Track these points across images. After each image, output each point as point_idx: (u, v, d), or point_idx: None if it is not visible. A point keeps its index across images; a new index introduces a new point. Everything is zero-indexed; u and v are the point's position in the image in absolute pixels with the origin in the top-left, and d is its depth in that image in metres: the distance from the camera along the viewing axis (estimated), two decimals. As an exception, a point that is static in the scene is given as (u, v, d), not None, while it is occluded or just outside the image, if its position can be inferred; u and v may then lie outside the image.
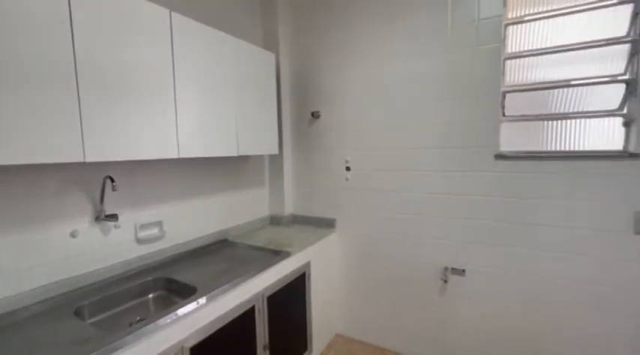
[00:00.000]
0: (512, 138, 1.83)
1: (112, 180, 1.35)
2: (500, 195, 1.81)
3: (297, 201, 2.50)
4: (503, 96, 1.81)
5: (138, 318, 1.33)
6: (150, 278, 1.53)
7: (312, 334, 2.06)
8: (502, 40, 1.77)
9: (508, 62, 1.82)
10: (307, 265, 1.98)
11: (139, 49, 1.28)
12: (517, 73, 1.85)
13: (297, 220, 2.49)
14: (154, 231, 1.68)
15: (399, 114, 2.05)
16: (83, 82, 1.11)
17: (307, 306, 2.01)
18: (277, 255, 1.79)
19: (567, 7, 1.68)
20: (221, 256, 1.82)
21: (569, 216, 1.66)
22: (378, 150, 2.13)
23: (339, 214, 2.32)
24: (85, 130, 1.12)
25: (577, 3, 1.66)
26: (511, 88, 1.82)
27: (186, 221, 1.85)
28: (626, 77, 1.57)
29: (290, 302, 1.86)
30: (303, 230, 2.31)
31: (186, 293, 1.36)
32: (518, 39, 1.82)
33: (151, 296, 1.51)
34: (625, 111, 1.57)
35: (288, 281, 1.81)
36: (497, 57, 1.77)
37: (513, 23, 1.79)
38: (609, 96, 1.62)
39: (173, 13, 1.41)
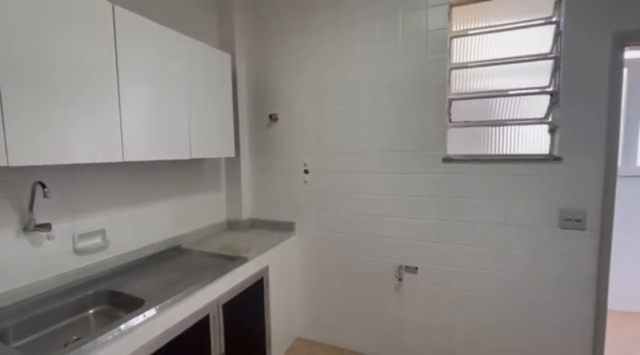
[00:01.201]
0: (458, 143, 1.97)
1: (44, 186, 1.23)
2: (447, 196, 1.93)
3: (256, 205, 2.46)
4: (450, 104, 1.94)
5: (75, 337, 1.22)
6: (90, 292, 1.40)
7: (272, 339, 2.03)
8: (447, 51, 1.90)
9: (453, 72, 1.96)
10: (265, 270, 1.95)
11: (76, 44, 1.18)
12: (462, 82, 2.00)
13: (255, 224, 2.44)
14: (96, 240, 1.55)
15: (354, 119, 2.11)
16: (2, 76, 0.99)
17: (266, 312, 1.98)
18: (233, 261, 1.74)
19: (503, 25, 1.86)
20: (173, 265, 1.73)
21: (505, 214, 1.82)
22: (335, 153, 2.17)
23: (299, 217, 2.32)
24: (8, 131, 1.00)
25: (511, 21, 1.84)
26: (456, 96, 1.96)
27: (134, 229, 1.73)
28: (550, 89, 1.76)
29: (248, 308, 1.82)
30: (262, 234, 2.27)
31: (133, 306, 1.27)
32: (462, 51, 1.97)
33: (91, 311, 1.39)
34: (550, 119, 1.77)
35: (246, 287, 1.77)
36: (444, 66, 1.90)
37: (457, 36, 1.93)
38: (540, 105, 1.81)
39: (117, 7, 1.32)
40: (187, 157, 1.72)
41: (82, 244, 1.48)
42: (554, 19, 1.74)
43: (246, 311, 1.82)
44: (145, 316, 1.19)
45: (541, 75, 1.81)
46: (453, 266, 1.95)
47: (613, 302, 2.46)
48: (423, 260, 2.01)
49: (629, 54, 2.84)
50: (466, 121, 1.96)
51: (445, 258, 1.96)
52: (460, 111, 1.97)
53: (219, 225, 2.35)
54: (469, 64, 1.94)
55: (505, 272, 1.84)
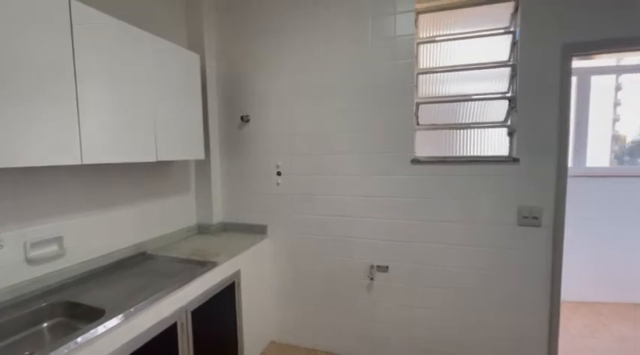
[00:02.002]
0: (428, 144, 2.05)
1: (-10, 191, 1.14)
2: (416, 196, 1.99)
3: (227, 208, 2.41)
4: (417, 107, 2.01)
5: (27, 353, 1.13)
6: (44, 303, 1.31)
7: (244, 344, 2.00)
8: (415, 57, 1.97)
9: (420, 76, 2.03)
10: (237, 274, 1.92)
11: (26, 40, 1.10)
12: (429, 86, 2.08)
13: (227, 228, 2.39)
14: (52, 248, 1.45)
15: (326, 121, 2.13)
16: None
17: (238, 316, 1.94)
18: (203, 265, 1.70)
19: (466, 33, 1.96)
20: (137, 272, 1.66)
21: (470, 213, 1.91)
22: (308, 155, 2.18)
23: (271, 220, 2.31)
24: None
25: (474, 30, 1.94)
26: (423, 100, 2.03)
27: (96, 235, 1.64)
28: (509, 94, 1.88)
29: (218, 314, 1.78)
30: (234, 238, 2.23)
31: (93, 317, 1.20)
32: (428, 56, 2.05)
33: (46, 325, 1.30)
34: (509, 123, 1.88)
35: (216, 292, 1.73)
36: (412, 71, 1.96)
37: (424, 42, 2.01)
38: (501, 110, 1.92)
39: (74, 2, 1.25)
40: (153, 160, 1.65)
41: (36, 253, 1.39)
42: (511, 29, 1.85)
43: (218, 317, 1.77)
44: (105, 327, 1.13)
45: (501, 81, 1.92)
46: (423, 264, 2.01)
47: (565, 294, 2.65)
48: (394, 259, 2.06)
49: (578, 63, 3.10)
50: (433, 124, 2.04)
51: (415, 256, 2.02)
52: (428, 114, 2.04)
53: (189, 230, 2.28)
54: (435, 70, 2.03)
55: (471, 268, 1.93)
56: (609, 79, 3.41)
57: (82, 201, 1.58)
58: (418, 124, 2.03)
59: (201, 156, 2.05)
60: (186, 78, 1.90)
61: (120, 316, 1.19)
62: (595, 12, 1.65)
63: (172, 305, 1.42)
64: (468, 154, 2.00)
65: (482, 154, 1.97)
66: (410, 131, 1.99)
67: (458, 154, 2.02)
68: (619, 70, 3.37)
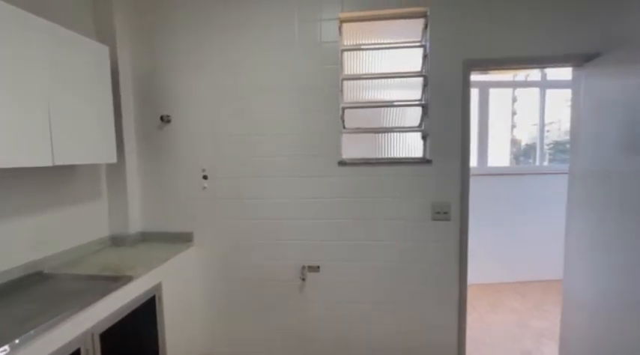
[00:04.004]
0: (353, 147, 2.14)
1: None
2: (343, 197, 2.08)
3: (147, 216, 2.21)
4: (343, 111, 2.10)
5: None
6: None
7: (169, 363, 1.85)
8: (339, 63, 2.05)
9: (345, 82, 2.12)
10: (157, 287, 1.77)
11: None
12: (354, 91, 2.19)
13: (146, 238, 2.19)
14: None
15: (254, 123, 2.09)
16: None
17: (160, 333, 1.79)
18: (116, 281, 1.53)
19: (385, 43, 2.11)
20: (30, 295, 1.42)
21: (393, 211, 2.06)
22: (236, 157, 2.12)
23: (198, 226, 2.18)
24: None
25: (393, 41, 2.10)
26: (349, 105, 2.13)
27: (-31, 255, 1.36)
28: (422, 102, 2.07)
29: (137, 332, 1.62)
30: (154, 248, 2.05)
31: (-39, 355, 0.99)
32: (352, 63, 2.16)
33: None
34: (423, 127, 2.08)
35: (132, 309, 1.57)
36: (337, 76, 2.05)
37: (347, 50, 2.11)
38: (417, 115, 2.11)
39: None
40: (49, 164, 1.43)
41: None
42: (422, 43, 2.05)
43: (136, 336, 1.61)
44: (-23, 366, 0.94)
45: (416, 89, 2.11)
46: (352, 261, 2.10)
47: (475, 278, 3.03)
48: (325, 258, 2.12)
49: (479, 77, 3.57)
50: (358, 128, 2.15)
51: (344, 254, 2.10)
52: (354, 118, 2.15)
53: (101, 242, 2.03)
54: (358, 76, 2.14)
55: (393, 261, 2.08)
56: (507, 92, 4.02)
57: (-52, 216, 1.30)
58: (344, 128, 2.12)
59: (113, 159, 1.84)
60: (93, 72, 1.69)
61: (1, 350, 1.00)
62: (487, 35, 1.93)
63: (74, 329, 1.25)
64: (390, 156, 2.16)
65: (402, 156, 2.14)
66: (337, 134, 2.07)
67: (381, 156, 2.16)
68: (514, 85, 3.99)
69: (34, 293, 1.44)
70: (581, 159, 1.99)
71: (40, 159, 1.40)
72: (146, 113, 2.16)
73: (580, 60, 1.90)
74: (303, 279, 2.12)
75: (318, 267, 2.12)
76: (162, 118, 2.12)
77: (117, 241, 2.10)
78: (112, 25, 1.99)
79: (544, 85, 3.64)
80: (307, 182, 2.09)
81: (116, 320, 1.47)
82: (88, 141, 1.66)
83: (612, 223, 1.72)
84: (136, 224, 2.16)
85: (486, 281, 3.45)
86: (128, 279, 1.55)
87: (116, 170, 2.07)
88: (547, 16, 1.89)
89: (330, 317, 2.14)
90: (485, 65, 2.05)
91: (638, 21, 1.74)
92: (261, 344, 2.22)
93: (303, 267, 2.12)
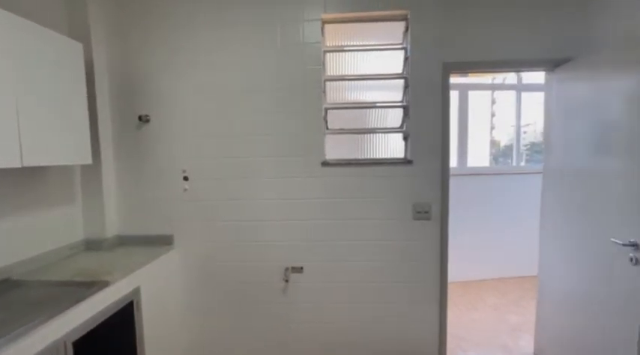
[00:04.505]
0: (336, 148, 2.15)
1: None
2: (327, 197, 2.08)
3: (125, 219, 2.14)
4: (326, 112, 2.11)
5: None
6: None
7: (148, 369, 1.80)
8: (322, 64, 2.06)
9: (328, 83, 2.13)
10: (136, 292, 1.71)
11: None
12: (337, 92, 2.20)
13: (124, 241, 2.12)
14: None
15: (237, 123, 2.07)
16: None
17: (139, 338, 1.74)
18: (90, 287, 1.47)
19: (367, 45, 2.13)
20: (-3, 304, 1.35)
21: (375, 210, 2.08)
22: (218, 158, 2.08)
23: (178, 229, 2.13)
24: None
25: (374, 43, 2.13)
26: (331, 106, 2.14)
27: None
28: (403, 103, 2.11)
29: (114, 338, 1.57)
30: (132, 252, 1.99)
31: None
32: (335, 64, 2.17)
33: None
34: (404, 128, 2.11)
35: (109, 315, 1.51)
36: (320, 77, 2.05)
37: (330, 51, 2.12)
38: (399, 116, 2.14)
39: None
40: (17, 165, 1.36)
41: None
42: (403, 46, 2.09)
43: (113, 343, 1.56)
44: (-64, 380, 0.88)
45: (398, 91, 2.14)
46: (335, 261, 2.11)
47: (456, 276, 3.11)
48: (308, 259, 2.11)
49: (459, 79, 3.66)
50: (341, 129, 2.16)
51: (328, 255, 2.10)
52: (338, 119, 2.15)
53: (74, 247, 1.95)
54: (341, 77, 2.15)
55: (377, 261, 2.09)
56: (487, 94, 4.14)
57: None
58: (328, 128, 2.12)
59: (88, 160, 1.77)
60: (66, 69, 1.62)
61: (-39, 363, 0.94)
62: (466, 39, 1.98)
63: (45, 338, 1.19)
64: (373, 157, 2.18)
65: (384, 156, 2.17)
66: (320, 135, 2.07)
67: (364, 157, 2.18)
68: (493, 87, 4.12)
69: (1, 302, 1.37)
70: (554, 159, 2.07)
71: (8, 160, 1.33)
72: (124, 112, 2.09)
73: (551, 64, 1.99)
74: (287, 281, 2.11)
75: (302, 268, 2.11)
76: (140, 118, 2.06)
77: (92, 245, 2.02)
78: (86, 20, 1.91)
79: (520, 88, 3.78)
80: (291, 183, 2.08)
81: (91, 327, 1.41)
82: (60, 142, 1.59)
83: (581, 220, 1.80)
84: (112, 227, 2.09)
85: (467, 278, 3.54)
86: (104, 285, 1.50)
87: (91, 171, 1.99)
88: (522, 22, 1.96)
89: (314, 317, 2.14)
90: (464, 68, 2.11)
91: (604, 29, 1.84)
92: (244, 348, 2.18)
93: (287, 269, 2.10)
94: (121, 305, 1.61)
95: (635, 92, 1.46)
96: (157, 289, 1.92)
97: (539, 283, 2.21)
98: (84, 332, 1.37)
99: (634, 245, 1.43)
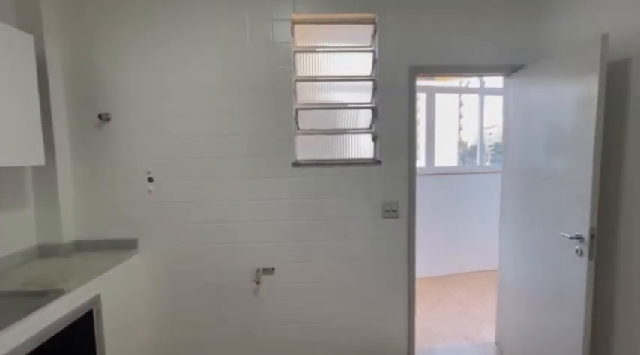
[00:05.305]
0: (307, 148, 2.16)
1: None
2: (297, 197, 2.08)
3: (84, 223, 2.02)
4: (296, 112, 2.11)
5: None
6: None
7: (110, 381, 1.71)
8: (292, 64, 2.06)
9: (298, 83, 2.13)
10: (96, 300, 1.62)
11: None
12: (307, 93, 2.20)
13: (83, 247, 2.00)
14: None
15: (205, 123, 2.02)
16: None
17: (99, 349, 1.65)
18: (43, 296, 1.37)
19: (337, 47, 2.16)
20: None
21: (346, 210, 2.10)
22: (185, 159, 2.02)
23: (143, 232, 2.04)
24: None
25: (344, 44, 2.16)
26: (302, 106, 2.14)
27: None
28: (372, 105, 2.15)
29: (71, 351, 1.48)
30: (92, 257, 1.88)
31: None
32: (305, 65, 2.17)
33: None
34: (373, 129, 2.16)
35: (64, 326, 1.42)
36: (290, 77, 2.05)
37: (300, 51, 2.12)
38: (369, 118, 2.18)
39: None
40: (-44, 167, 1.25)
41: None
42: (372, 48, 2.13)
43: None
44: None
45: (368, 92, 2.19)
46: (306, 261, 2.11)
47: (425, 272, 3.23)
48: (279, 260, 2.10)
49: (427, 82, 3.79)
50: (311, 129, 2.17)
51: (299, 255, 2.11)
52: (309, 119, 2.16)
53: (27, 253, 1.81)
54: (310, 78, 2.17)
55: (347, 259, 2.13)
56: (455, 97, 4.32)
57: None
58: (298, 129, 2.13)
59: (41, 160, 1.66)
60: (13, 63, 1.51)
61: None
62: (431, 44, 2.06)
63: (-11, 354, 1.10)
64: (343, 157, 2.21)
65: (354, 157, 2.20)
66: (290, 135, 2.07)
67: (335, 157, 2.20)
68: (458, 90, 4.31)
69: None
70: (511, 160, 2.21)
71: (-55, 161, 1.22)
72: (82, 110, 1.97)
73: (508, 70, 2.12)
74: (258, 282, 2.09)
75: (273, 269, 2.10)
76: (100, 116, 1.96)
77: (47, 252, 1.89)
78: (38, 11, 1.79)
79: (482, 91, 3.98)
80: (261, 183, 2.06)
81: (45, 339, 1.32)
82: (8, 141, 1.47)
83: (535, 217, 1.93)
84: (70, 232, 1.96)
85: (435, 274, 3.68)
86: (59, 293, 1.41)
87: (45, 173, 1.86)
88: (482, 30, 2.07)
89: (285, 318, 2.14)
90: (429, 71, 2.19)
91: (553, 38, 1.98)
92: (214, 350, 2.13)
93: (258, 270, 2.08)
94: (79, 315, 1.52)
95: (578, 97, 1.59)
96: (119, 296, 1.83)
97: (499, 276, 2.34)
98: (36, 346, 1.28)
99: (579, 238, 1.56)
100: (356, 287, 2.14)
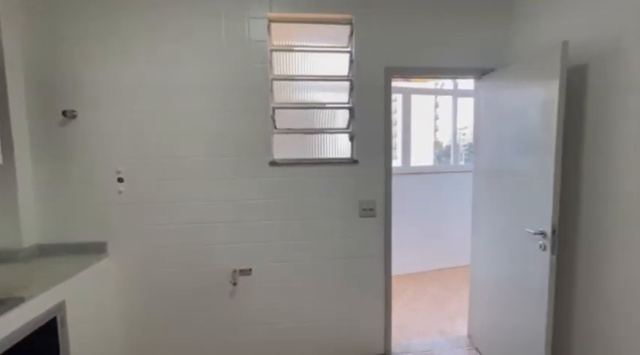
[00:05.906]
0: (284, 147, 2.14)
1: None
2: (275, 197, 2.07)
3: (48, 226, 1.91)
4: (273, 111, 2.09)
5: None
6: None
7: (76, 392, 1.63)
8: (269, 63, 2.04)
9: (275, 82, 2.12)
10: (60, 307, 1.54)
11: None
12: (284, 92, 2.19)
13: (47, 251, 1.89)
14: None
15: (179, 122, 1.96)
16: None
17: (64, 359, 1.57)
18: (1, 304, 1.29)
19: (314, 46, 2.16)
20: None
21: (324, 209, 2.11)
22: (157, 158, 1.96)
23: (112, 235, 1.96)
24: None
25: (322, 44, 2.16)
26: (279, 105, 2.13)
27: None
28: (349, 105, 2.17)
29: (32, 362, 1.39)
30: (56, 262, 1.78)
31: None
32: (282, 64, 2.16)
33: None
34: (350, 129, 2.18)
35: (24, 335, 1.34)
36: (267, 76, 2.03)
37: (277, 50, 2.11)
38: (346, 117, 2.20)
39: None
40: None
41: None
42: (348, 49, 2.15)
43: (30, 367, 1.39)
44: None
45: (345, 92, 2.20)
46: (284, 261, 2.11)
47: (401, 269, 3.29)
48: (257, 260, 2.08)
49: (403, 84, 3.87)
50: (289, 128, 2.16)
51: (276, 255, 2.09)
52: (286, 118, 2.15)
53: (-18, 259, 1.69)
54: (288, 77, 2.15)
55: (325, 258, 2.14)
56: (431, 98, 4.43)
57: None
58: (275, 128, 2.11)
59: (-2, 160, 1.56)
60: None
61: None
62: (406, 46, 2.11)
63: (-63, 368, 1.02)
64: (321, 156, 2.21)
65: (332, 156, 2.21)
66: (267, 134, 2.05)
67: (312, 156, 2.20)
68: (433, 92, 4.42)
69: None
70: (482, 160, 2.30)
71: None
72: (44, 107, 1.86)
73: (478, 73, 2.20)
74: (234, 284, 2.06)
75: (250, 270, 2.08)
76: (65, 113, 1.86)
77: (5, 257, 1.77)
78: (-6, 1, 1.67)
79: (456, 93, 4.11)
80: (237, 183, 2.03)
81: (4, 349, 1.24)
82: (-41, 139, 1.37)
83: (503, 214, 2.02)
84: (31, 235, 1.85)
85: (412, 271, 3.77)
86: (18, 301, 1.32)
87: (3, 173, 1.74)
88: (454, 34, 2.14)
89: (262, 319, 2.12)
90: (404, 73, 2.24)
91: (520, 44, 2.08)
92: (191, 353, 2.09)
93: (234, 271, 2.05)
94: (42, 323, 1.44)
95: (542, 100, 1.68)
96: (87, 302, 1.75)
97: (471, 272, 2.43)
98: (-8, 357, 1.20)
99: (542, 233, 1.64)
100: (333, 286, 2.16)
